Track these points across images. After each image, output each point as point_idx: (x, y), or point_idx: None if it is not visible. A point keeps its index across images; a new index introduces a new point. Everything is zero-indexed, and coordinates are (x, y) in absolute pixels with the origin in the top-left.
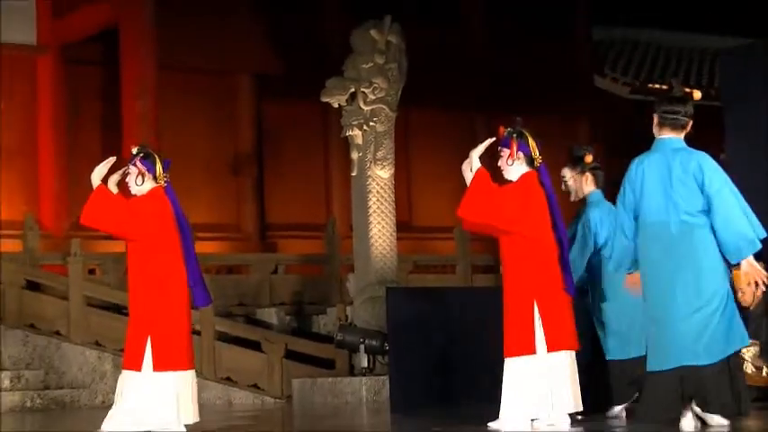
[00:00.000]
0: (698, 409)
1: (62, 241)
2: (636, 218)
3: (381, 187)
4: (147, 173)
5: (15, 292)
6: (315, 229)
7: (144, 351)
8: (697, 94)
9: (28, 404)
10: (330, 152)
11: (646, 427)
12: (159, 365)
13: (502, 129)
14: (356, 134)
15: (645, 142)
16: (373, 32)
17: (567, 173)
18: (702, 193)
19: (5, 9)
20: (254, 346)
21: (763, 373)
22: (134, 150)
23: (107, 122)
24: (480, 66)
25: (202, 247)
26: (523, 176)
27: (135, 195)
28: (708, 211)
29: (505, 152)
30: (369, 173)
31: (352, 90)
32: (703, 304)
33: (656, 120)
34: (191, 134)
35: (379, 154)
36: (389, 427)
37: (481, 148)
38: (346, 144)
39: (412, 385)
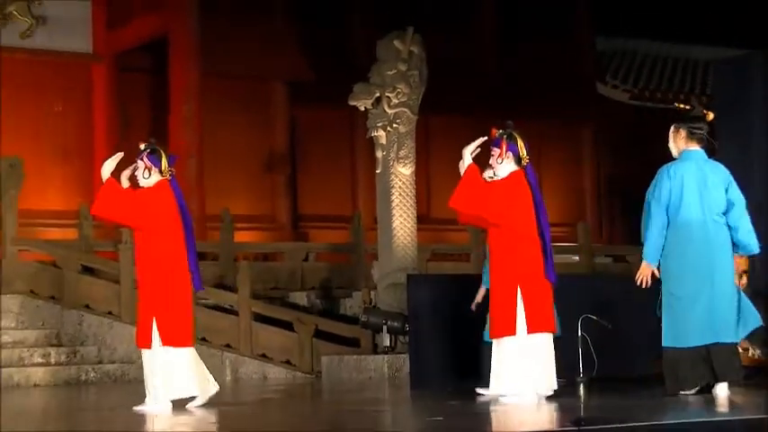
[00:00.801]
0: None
1: (113, 230)
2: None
3: (403, 183)
4: (153, 167)
5: (72, 276)
6: (342, 221)
7: (151, 330)
8: (710, 116)
9: (83, 377)
10: (356, 151)
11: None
12: (166, 341)
13: (494, 130)
14: (381, 135)
15: (644, 144)
16: (396, 42)
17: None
18: (725, 198)
19: (65, 20)
20: (287, 326)
21: (749, 354)
22: (142, 146)
23: (155, 124)
24: (492, 73)
25: (241, 237)
26: (511, 174)
27: (143, 188)
28: (725, 212)
29: (496, 151)
30: (392, 170)
31: (377, 95)
32: (731, 289)
33: (684, 133)
34: (231, 135)
35: (402, 153)
36: (409, 400)
37: (473, 147)
38: (371, 144)
39: (430, 363)
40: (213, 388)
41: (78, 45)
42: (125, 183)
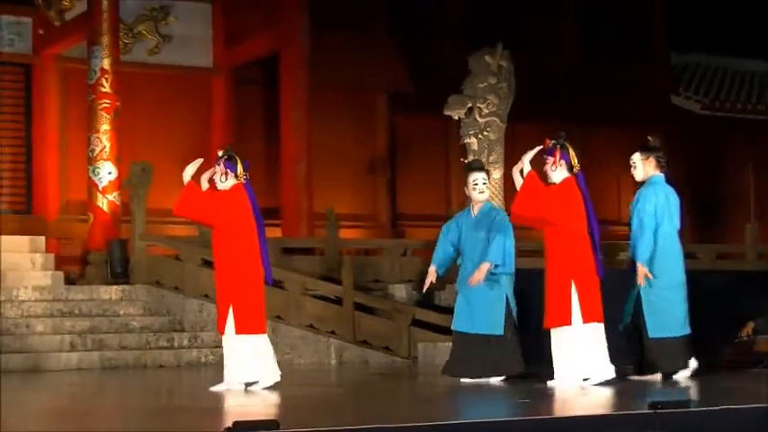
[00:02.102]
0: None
1: None
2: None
3: (493, 186)
4: (229, 172)
5: (193, 269)
6: (437, 219)
7: (227, 318)
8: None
9: (203, 360)
10: (450, 156)
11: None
12: (240, 329)
13: (547, 140)
14: (472, 141)
15: (712, 151)
16: (487, 57)
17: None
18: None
19: (188, 38)
20: (387, 315)
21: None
22: (220, 153)
23: (267, 132)
24: (575, 85)
25: (345, 234)
26: (564, 180)
27: (220, 191)
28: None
29: (550, 160)
30: None
31: (470, 105)
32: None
33: (653, 161)
34: (336, 141)
35: (492, 158)
36: (498, 383)
37: (531, 155)
38: (464, 150)
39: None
40: (275, 377)
41: (200, 60)
42: (205, 184)
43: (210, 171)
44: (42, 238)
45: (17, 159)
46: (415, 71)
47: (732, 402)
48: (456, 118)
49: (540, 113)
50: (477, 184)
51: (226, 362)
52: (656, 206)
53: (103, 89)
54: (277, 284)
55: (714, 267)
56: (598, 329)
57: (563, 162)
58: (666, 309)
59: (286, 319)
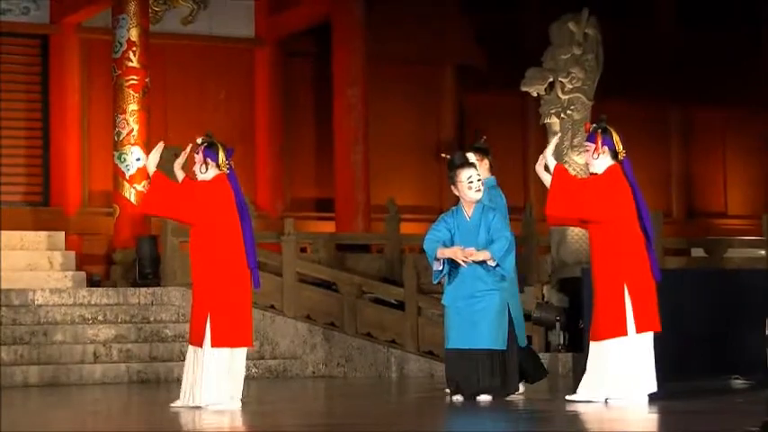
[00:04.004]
0: None
1: (277, 221)
2: None
3: (577, 173)
4: (210, 161)
5: None
6: (512, 212)
7: (204, 328)
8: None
9: (245, 373)
10: (528, 139)
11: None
12: (216, 342)
13: (587, 125)
14: (554, 122)
15: None
16: (571, 25)
17: None
18: None
19: (227, 5)
20: None
21: None
22: (198, 140)
23: (318, 110)
24: (673, 59)
25: (407, 228)
26: (608, 169)
27: (199, 182)
28: None
29: (591, 146)
30: (565, 158)
31: (551, 80)
32: None
33: (488, 164)
34: (397, 122)
35: (576, 141)
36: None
37: (552, 148)
38: (544, 131)
39: None
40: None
41: (241, 30)
42: (179, 174)
43: (183, 156)
44: (62, 234)
45: (33, 144)
46: (487, 41)
47: None
48: (535, 95)
49: (632, 91)
50: (472, 182)
51: (190, 377)
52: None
53: (131, 63)
54: (330, 287)
55: None
56: (650, 339)
57: (606, 148)
58: None
59: (340, 327)
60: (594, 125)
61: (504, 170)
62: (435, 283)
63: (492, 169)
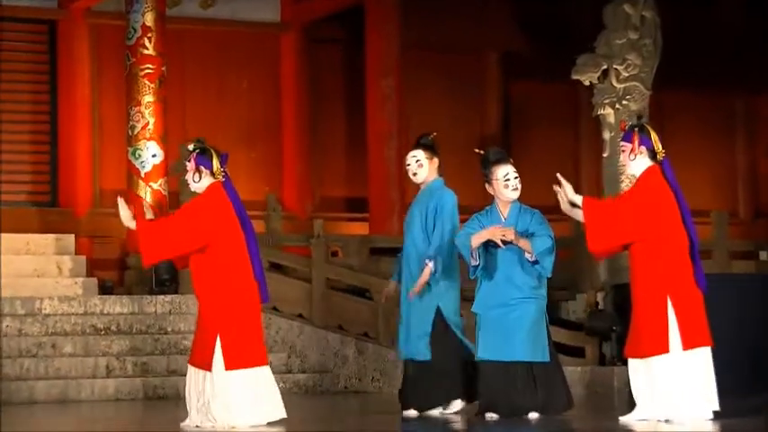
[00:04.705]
0: None
1: (305, 222)
2: None
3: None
4: (204, 169)
5: None
6: (562, 212)
7: (214, 351)
8: None
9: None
10: (580, 132)
11: None
12: (231, 364)
13: (623, 123)
14: (608, 113)
15: None
16: (627, 7)
17: None
18: None
19: None
20: None
21: None
22: (190, 147)
23: (349, 101)
24: (740, 47)
25: None
26: (646, 172)
27: (194, 193)
28: None
29: (627, 147)
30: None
31: (605, 67)
32: None
33: (437, 164)
34: (435, 114)
35: None
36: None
37: (569, 188)
38: (597, 123)
39: None
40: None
41: (264, 14)
42: (148, 215)
43: (123, 208)
44: (71, 237)
45: (39, 140)
46: (534, 26)
47: None
48: (587, 84)
49: (695, 81)
50: (509, 180)
51: (200, 399)
52: None
53: (146, 51)
54: (363, 294)
55: None
56: (703, 357)
57: (643, 148)
58: None
59: (374, 338)
60: (631, 123)
61: (553, 166)
62: (471, 278)
63: (440, 169)
